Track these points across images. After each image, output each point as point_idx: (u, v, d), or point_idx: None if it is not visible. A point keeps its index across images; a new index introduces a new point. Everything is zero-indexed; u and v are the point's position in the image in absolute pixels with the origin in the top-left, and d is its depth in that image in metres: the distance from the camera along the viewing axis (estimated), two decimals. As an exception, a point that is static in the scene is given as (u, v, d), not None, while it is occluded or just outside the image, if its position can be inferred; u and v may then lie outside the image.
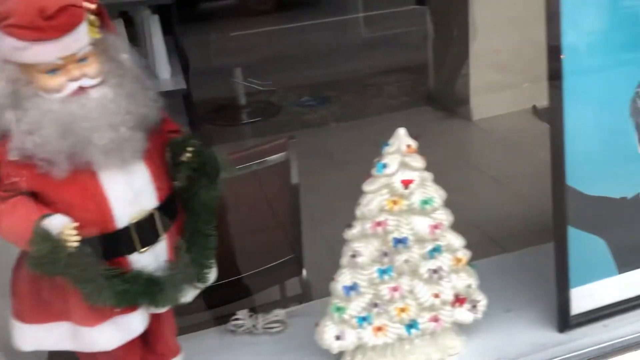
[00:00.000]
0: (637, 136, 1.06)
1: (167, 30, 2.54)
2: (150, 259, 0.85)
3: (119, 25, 2.16)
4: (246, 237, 1.31)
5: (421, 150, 0.96)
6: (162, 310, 0.88)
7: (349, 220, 0.98)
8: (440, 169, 1.00)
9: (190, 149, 0.85)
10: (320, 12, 7.93)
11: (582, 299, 1.09)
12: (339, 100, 5.05)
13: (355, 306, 1.00)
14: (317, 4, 8.36)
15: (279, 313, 1.18)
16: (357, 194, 0.97)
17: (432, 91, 4.35)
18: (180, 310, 1.36)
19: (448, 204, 0.98)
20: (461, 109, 3.74)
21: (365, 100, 4.99)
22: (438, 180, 0.97)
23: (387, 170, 0.94)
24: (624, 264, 1.11)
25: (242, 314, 1.19)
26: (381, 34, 6.39)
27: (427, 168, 0.96)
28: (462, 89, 3.73)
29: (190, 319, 1.39)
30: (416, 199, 0.96)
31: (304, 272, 1.53)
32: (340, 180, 3.66)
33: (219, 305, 1.41)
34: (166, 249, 0.87)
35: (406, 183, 0.94)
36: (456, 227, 1.00)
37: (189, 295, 0.90)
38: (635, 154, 1.06)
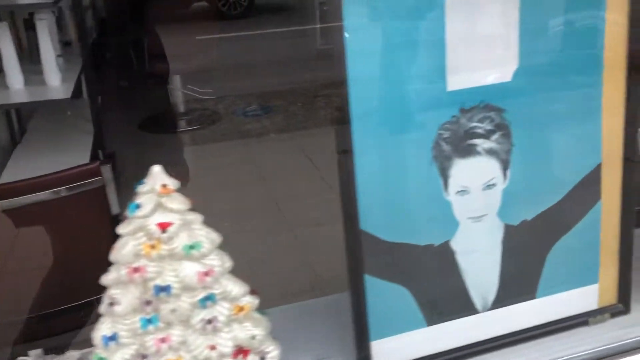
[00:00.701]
0: (442, 181, 0.99)
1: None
2: None
3: (3, 29, 2.06)
4: (56, 269, 1.22)
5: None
6: None
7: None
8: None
9: None
10: (285, 20, 7.87)
11: (386, 352, 1.02)
12: (286, 111, 4.96)
13: (119, 358, 0.91)
14: (284, 11, 8.30)
15: (72, 355, 1.09)
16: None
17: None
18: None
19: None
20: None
21: (312, 111, 4.92)
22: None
23: (140, 212, 0.85)
24: (433, 316, 1.03)
25: (34, 354, 1.10)
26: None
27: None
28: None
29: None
30: (179, 243, 0.87)
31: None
32: (259, 194, 3.54)
33: (44, 338, 1.32)
34: None
35: (163, 227, 0.86)
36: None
37: None
38: (441, 200, 0.99)
